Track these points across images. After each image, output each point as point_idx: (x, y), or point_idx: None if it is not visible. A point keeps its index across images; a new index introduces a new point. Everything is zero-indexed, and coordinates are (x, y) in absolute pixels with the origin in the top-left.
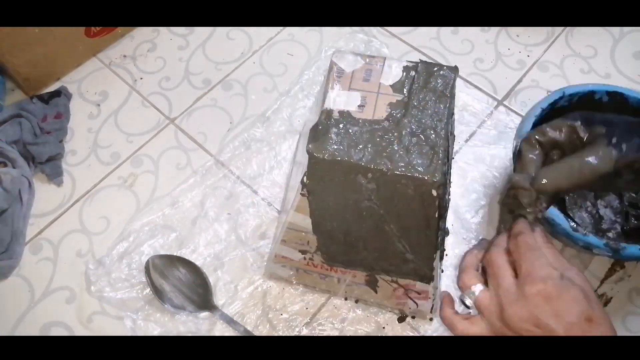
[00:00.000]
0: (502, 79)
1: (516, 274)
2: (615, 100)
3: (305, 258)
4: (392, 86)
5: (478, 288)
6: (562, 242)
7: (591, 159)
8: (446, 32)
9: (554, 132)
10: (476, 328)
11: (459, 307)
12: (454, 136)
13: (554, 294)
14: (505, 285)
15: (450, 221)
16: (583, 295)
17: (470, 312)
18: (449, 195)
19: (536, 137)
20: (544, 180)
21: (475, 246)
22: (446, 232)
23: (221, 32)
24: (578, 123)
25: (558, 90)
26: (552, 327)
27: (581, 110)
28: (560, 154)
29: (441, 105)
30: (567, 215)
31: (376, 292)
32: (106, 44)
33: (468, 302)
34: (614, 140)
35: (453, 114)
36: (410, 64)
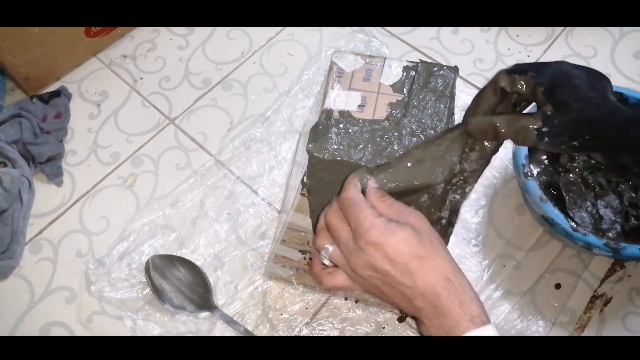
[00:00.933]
0: None
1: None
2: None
3: (305, 258)
4: (392, 86)
5: (330, 247)
6: (562, 241)
7: (515, 136)
8: (446, 32)
9: (519, 88)
10: (338, 280)
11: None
12: None
13: (380, 241)
14: (343, 241)
15: None
16: (412, 235)
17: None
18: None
19: (502, 84)
20: (471, 125)
21: (327, 207)
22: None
23: (221, 32)
24: (542, 89)
25: None
26: (387, 270)
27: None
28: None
29: (441, 105)
30: (567, 215)
31: None
32: (106, 44)
33: (326, 261)
34: (545, 129)
35: (453, 114)
36: (410, 64)
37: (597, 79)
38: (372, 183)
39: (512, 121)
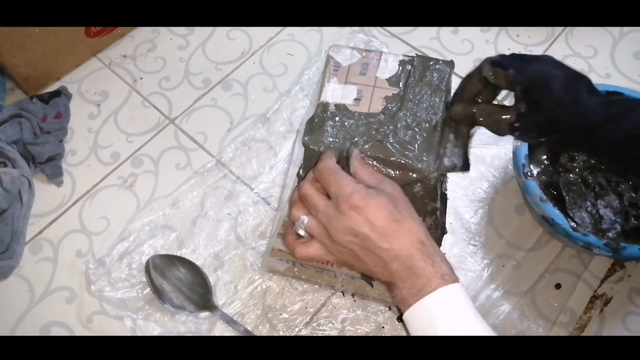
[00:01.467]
0: None
1: (329, 197)
2: None
3: None
4: (388, 80)
5: (305, 218)
6: (562, 241)
7: (490, 126)
8: (446, 32)
9: (500, 82)
10: (311, 249)
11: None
12: None
13: (362, 205)
14: (321, 209)
15: (450, 220)
16: (389, 200)
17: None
18: (446, 190)
19: (486, 75)
20: (451, 112)
21: (303, 181)
22: (444, 231)
23: (221, 32)
24: (519, 88)
25: None
26: (366, 233)
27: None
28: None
29: (437, 99)
30: (567, 215)
31: (372, 285)
32: (106, 44)
33: (301, 232)
34: (517, 124)
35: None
36: (406, 58)
37: (575, 80)
38: (356, 152)
39: (489, 113)
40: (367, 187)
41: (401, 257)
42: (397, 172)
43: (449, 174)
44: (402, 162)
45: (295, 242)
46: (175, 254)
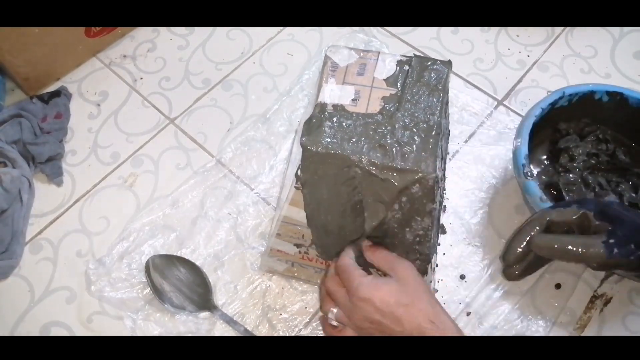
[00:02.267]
0: (502, 79)
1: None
2: (615, 100)
3: (300, 252)
4: (385, 80)
5: (334, 310)
6: None
7: (584, 250)
8: (446, 32)
9: (569, 217)
10: (347, 333)
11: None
12: (449, 131)
13: (368, 296)
14: (341, 301)
15: (450, 220)
16: (398, 286)
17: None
18: (444, 190)
19: (549, 218)
20: (537, 242)
21: (328, 277)
22: (442, 229)
23: (221, 32)
24: (592, 213)
25: (558, 90)
26: (378, 320)
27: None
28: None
29: (434, 99)
30: None
31: None
32: (106, 44)
33: (333, 322)
34: (611, 240)
35: (447, 108)
36: (404, 58)
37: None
38: (365, 243)
39: (578, 239)
40: (383, 272)
41: (414, 335)
42: (395, 174)
43: (447, 174)
44: (399, 167)
45: (333, 332)
46: (175, 254)
